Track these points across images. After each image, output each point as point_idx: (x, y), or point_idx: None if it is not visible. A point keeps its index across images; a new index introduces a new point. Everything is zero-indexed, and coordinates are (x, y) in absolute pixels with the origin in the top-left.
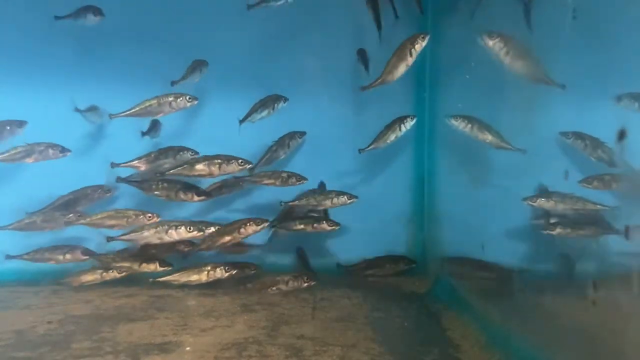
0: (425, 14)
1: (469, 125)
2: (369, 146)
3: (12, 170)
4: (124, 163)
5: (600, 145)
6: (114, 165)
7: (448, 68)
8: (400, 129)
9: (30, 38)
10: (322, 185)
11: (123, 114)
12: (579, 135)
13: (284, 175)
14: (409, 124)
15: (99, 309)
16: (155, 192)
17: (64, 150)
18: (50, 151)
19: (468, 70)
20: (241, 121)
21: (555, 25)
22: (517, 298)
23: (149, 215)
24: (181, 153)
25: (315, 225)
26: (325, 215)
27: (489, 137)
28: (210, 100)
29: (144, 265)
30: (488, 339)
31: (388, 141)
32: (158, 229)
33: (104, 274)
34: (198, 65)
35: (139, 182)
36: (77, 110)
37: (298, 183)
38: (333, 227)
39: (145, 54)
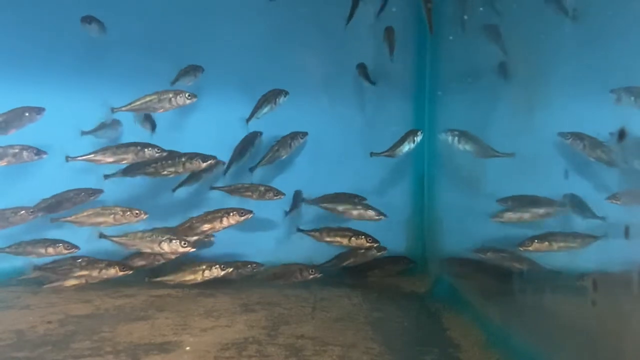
0: (424, 27)
1: (457, 139)
2: (382, 153)
3: (16, 173)
4: (79, 156)
5: (599, 144)
6: (68, 158)
7: (447, 74)
8: (414, 141)
9: (34, 44)
10: (297, 194)
11: (124, 107)
12: (577, 136)
13: (262, 189)
14: (419, 137)
15: (99, 309)
16: (163, 173)
17: (39, 152)
18: (25, 154)
19: (466, 77)
20: (248, 120)
21: (555, 25)
22: (517, 298)
23: (137, 212)
24: (146, 150)
25: (352, 239)
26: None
27: (477, 149)
28: (211, 101)
29: (103, 271)
30: (488, 338)
31: (402, 152)
32: (152, 237)
33: (89, 277)
34: (192, 69)
35: (143, 169)
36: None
37: (275, 197)
38: (371, 244)
39: (146, 57)
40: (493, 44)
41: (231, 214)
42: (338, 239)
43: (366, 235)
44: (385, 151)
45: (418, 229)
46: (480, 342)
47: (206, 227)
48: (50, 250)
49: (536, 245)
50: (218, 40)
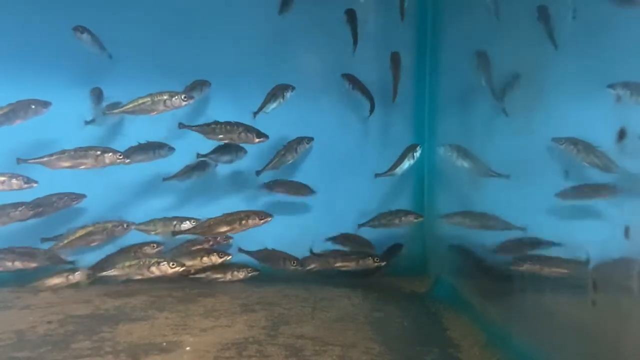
0: (424, 40)
1: (455, 154)
2: (385, 173)
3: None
4: (31, 159)
5: (593, 150)
6: (19, 161)
7: (446, 82)
8: (413, 157)
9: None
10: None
11: (117, 110)
12: (571, 141)
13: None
14: (418, 152)
15: (99, 309)
16: (220, 136)
17: (29, 181)
18: (14, 181)
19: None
20: (255, 113)
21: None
22: (517, 298)
23: (126, 224)
24: (106, 154)
25: (360, 261)
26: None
27: (475, 166)
28: (216, 102)
29: (70, 277)
30: (488, 338)
31: (403, 169)
32: (140, 264)
33: (70, 276)
34: (199, 84)
35: (201, 126)
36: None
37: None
38: (379, 263)
39: (150, 57)
40: (480, 70)
41: (251, 216)
42: (346, 263)
43: (372, 256)
44: (388, 170)
45: (418, 228)
46: (480, 342)
47: (225, 228)
48: (17, 263)
49: (527, 267)
50: (225, 43)
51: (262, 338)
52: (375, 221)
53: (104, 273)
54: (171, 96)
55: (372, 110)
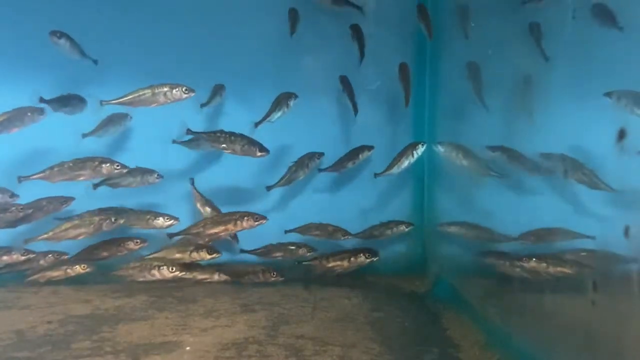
0: (423, 45)
1: (454, 153)
2: (384, 172)
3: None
4: (32, 175)
5: (519, 156)
6: (21, 179)
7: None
8: (413, 155)
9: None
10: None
11: (114, 101)
12: (503, 150)
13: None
14: (421, 150)
15: (99, 309)
16: (222, 145)
17: (13, 195)
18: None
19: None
20: (257, 123)
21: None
22: (517, 298)
23: (114, 218)
24: (104, 165)
25: (352, 259)
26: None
27: (474, 165)
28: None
29: (69, 270)
30: (488, 339)
31: (402, 167)
32: (141, 266)
33: (68, 270)
34: (218, 89)
35: (207, 134)
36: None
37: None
38: (371, 259)
39: (153, 57)
40: (470, 79)
41: (245, 218)
42: (338, 262)
43: (364, 252)
44: (386, 170)
45: (418, 228)
46: (480, 342)
47: (219, 229)
48: (5, 258)
49: (533, 264)
50: (230, 46)
51: (262, 338)
52: (366, 232)
53: (113, 273)
54: (172, 88)
55: (355, 112)
